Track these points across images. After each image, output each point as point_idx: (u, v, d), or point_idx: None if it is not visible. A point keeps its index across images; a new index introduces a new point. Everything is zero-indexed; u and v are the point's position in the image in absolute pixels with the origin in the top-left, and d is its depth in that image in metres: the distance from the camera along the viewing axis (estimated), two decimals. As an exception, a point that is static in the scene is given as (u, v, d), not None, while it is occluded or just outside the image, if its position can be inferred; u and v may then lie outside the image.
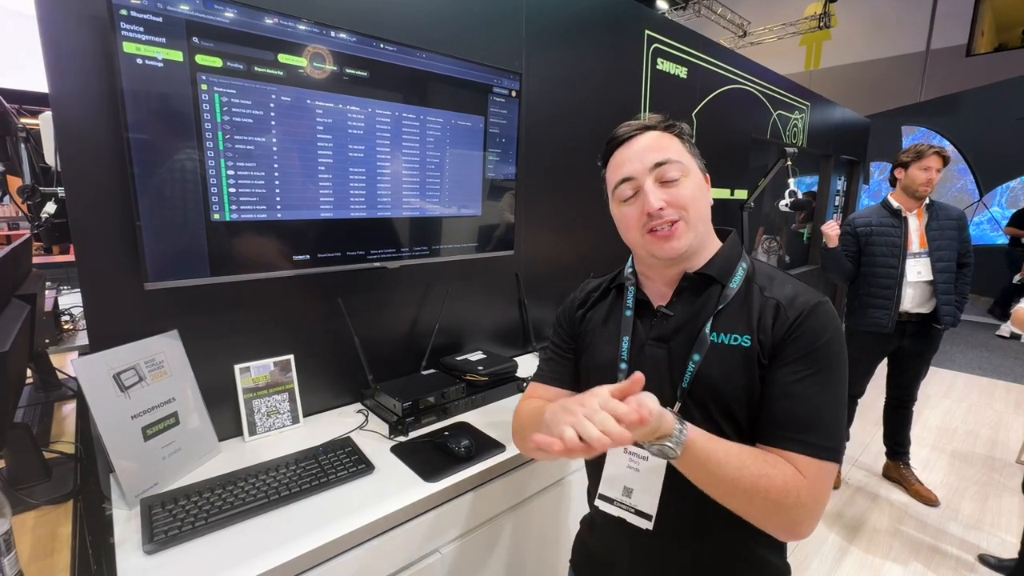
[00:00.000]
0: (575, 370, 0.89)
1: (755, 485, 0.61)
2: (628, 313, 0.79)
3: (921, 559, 2.02)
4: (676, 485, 0.70)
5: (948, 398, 3.70)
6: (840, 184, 4.71)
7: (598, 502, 0.78)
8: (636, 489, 0.74)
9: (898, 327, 2.27)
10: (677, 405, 0.71)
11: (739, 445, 0.65)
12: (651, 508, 0.73)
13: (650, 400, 0.59)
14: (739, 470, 0.62)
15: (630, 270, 0.83)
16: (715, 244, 0.78)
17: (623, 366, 0.77)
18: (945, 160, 2.18)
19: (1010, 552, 1.99)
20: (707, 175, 0.78)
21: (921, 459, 2.76)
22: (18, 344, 0.87)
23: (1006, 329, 5.45)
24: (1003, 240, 5.73)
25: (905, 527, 2.23)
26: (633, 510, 0.74)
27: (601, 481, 0.78)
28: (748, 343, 0.68)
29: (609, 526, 0.79)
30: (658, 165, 0.72)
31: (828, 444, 0.64)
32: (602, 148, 0.81)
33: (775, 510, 0.62)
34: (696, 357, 0.70)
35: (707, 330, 0.71)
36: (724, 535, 0.72)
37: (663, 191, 0.72)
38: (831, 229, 2.29)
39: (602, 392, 0.59)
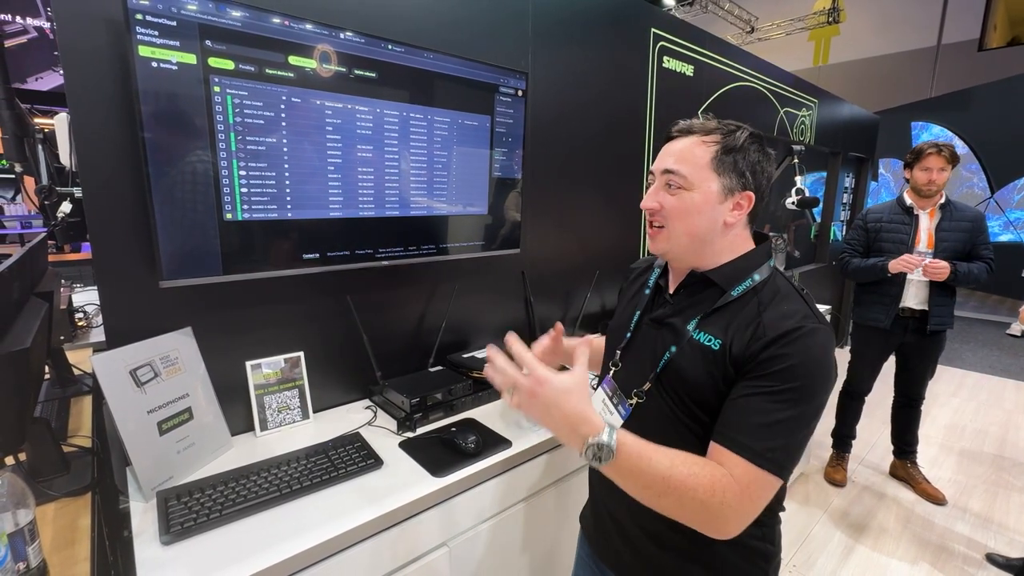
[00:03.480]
0: None
1: (684, 484, 0.63)
2: (647, 291, 0.88)
3: (928, 557, 2.02)
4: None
5: (957, 396, 3.67)
6: (848, 181, 4.67)
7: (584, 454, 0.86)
8: None
9: (900, 323, 2.27)
10: (647, 385, 0.79)
11: (667, 448, 0.66)
12: None
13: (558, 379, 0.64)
14: (669, 469, 0.63)
15: None
16: (732, 253, 0.78)
17: (628, 335, 0.87)
18: (949, 159, 2.12)
19: (1019, 551, 1.99)
20: (737, 193, 0.75)
21: (929, 457, 2.75)
22: (38, 340, 0.89)
23: (1017, 328, 5.40)
24: (1012, 238, 5.66)
25: (912, 525, 2.22)
26: None
27: None
28: (717, 347, 0.72)
29: (601, 479, 0.84)
30: (666, 171, 0.77)
31: (766, 451, 0.64)
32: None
33: (701, 509, 0.63)
34: (672, 348, 0.77)
35: (690, 326, 0.76)
36: None
37: (663, 195, 0.77)
38: (905, 264, 2.13)
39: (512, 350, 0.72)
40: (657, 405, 0.78)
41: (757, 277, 0.76)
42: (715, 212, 0.75)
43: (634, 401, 0.81)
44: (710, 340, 0.73)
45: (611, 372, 0.87)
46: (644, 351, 0.82)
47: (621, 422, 0.81)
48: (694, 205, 0.75)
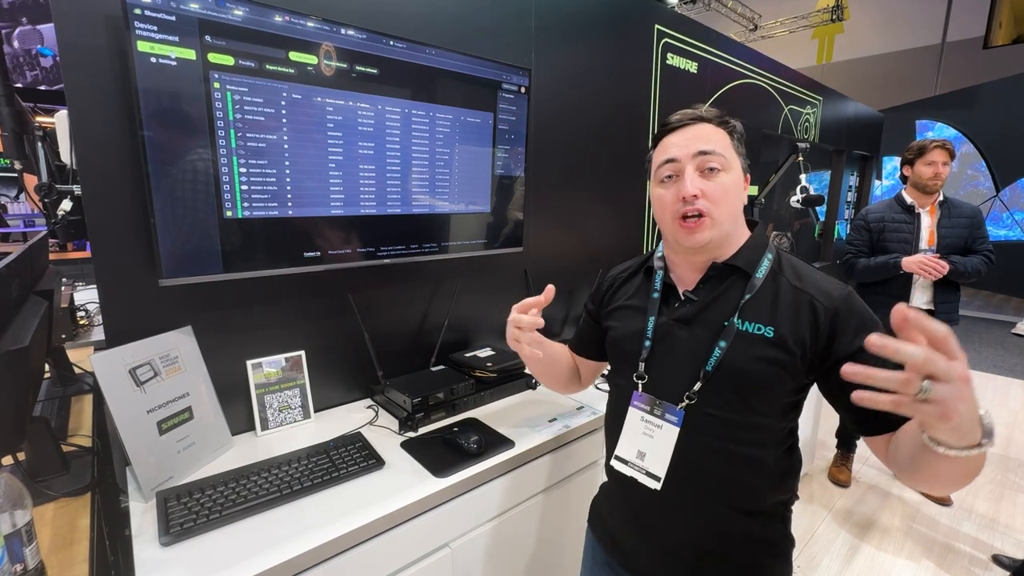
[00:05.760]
0: (600, 340, 0.97)
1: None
2: (655, 295, 0.84)
3: (934, 558, 2.01)
4: (685, 454, 0.76)
5: (962, 396, 3.65)
6: (852, 180, 4.65)
7: (613, 462, 0.85)
8: (649, 453, 0.80)
9: None
10: (698, 385, 0.75)
11: None
12: (661, 471, 0.78)
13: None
14: None
15: (660, 255, 0.88)
16: (744, 235, 0.81)
17: (647, 343, 0.82)
18: (951, 154, 2.14)
19: (1025, 552, 1.97)
20: (748, 175, 0.81)
21: (934, 458, 2.73)
22: (37, 339, 0.89)
23: (1023, 327, 5.37)
24: (1018, 237, 5.62)
25: (918, 526, 2.21)
26: (644, 471, 0.80)
27: (618, 443, 0.85)
28: (771, 334, 0.72)
29: (621, 487, 0.85)
30: (701, 153, 0.75)
31: None
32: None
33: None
34: (722, 344, 0.74)
35: (735, 319, 0.74)
36: (723, 504, 0.76)
37: (701, 180, 0.75)
38: (919, 264, 2.09)
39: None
40: (707, 406, 0.75)
41: (770, 256, 0.78)
42: (743, 194, 0.79)
43: (685, 403, 0.76)
44: (760, 329, 0.72)
45: (639, 387, 0.82)
46: (677, 355, 0.78)
47: (677, 431, 0.76)
48: (734, 186, 0.77)
